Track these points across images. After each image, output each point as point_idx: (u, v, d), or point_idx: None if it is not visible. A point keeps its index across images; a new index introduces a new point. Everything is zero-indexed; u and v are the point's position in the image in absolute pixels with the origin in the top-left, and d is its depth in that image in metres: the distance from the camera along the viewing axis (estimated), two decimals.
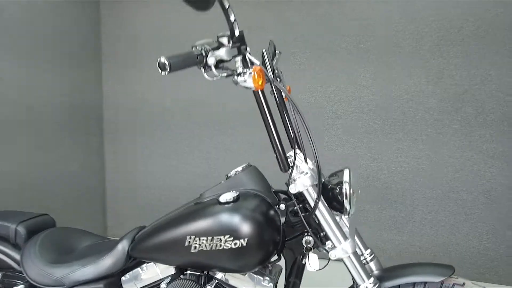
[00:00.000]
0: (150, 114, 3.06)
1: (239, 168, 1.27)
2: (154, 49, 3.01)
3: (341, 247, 1.12)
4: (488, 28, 2.19)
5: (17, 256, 1.49)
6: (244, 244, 1.13)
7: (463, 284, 1.16)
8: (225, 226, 1.15)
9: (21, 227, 1.53)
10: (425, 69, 2.34)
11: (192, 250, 1.17)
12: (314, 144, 1.11)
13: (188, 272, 1.27)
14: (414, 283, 1.18)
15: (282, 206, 1.22)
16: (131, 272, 1.34)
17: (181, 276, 1.27)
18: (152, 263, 1.31)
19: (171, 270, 1.29)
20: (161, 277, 1.30)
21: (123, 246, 1.34)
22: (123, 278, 1.35)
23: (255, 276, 1.22)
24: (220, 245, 1.14)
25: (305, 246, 1.18)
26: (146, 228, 1.34)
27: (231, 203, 1.17)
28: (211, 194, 1.25)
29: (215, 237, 1.15)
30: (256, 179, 1.25)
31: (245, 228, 1.13)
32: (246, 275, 1.22)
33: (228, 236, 1.13)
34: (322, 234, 1.18)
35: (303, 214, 1.16)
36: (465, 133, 2.28)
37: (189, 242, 1.17)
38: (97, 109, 3.11)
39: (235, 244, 1.13)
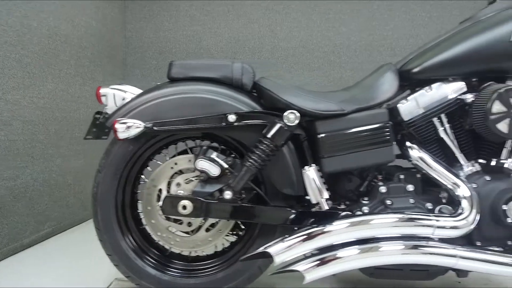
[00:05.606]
0: None
1: None
2: None
3: None
4: None
5: (247, 99, 1.32)
6: None
7: None
8: None
9: (247, 65, 1.32)
10: None
11: None
12: None
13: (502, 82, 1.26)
14: None
15: None
16: (411, 96, 1.30)
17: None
18: (438, 82, 1.29)
19: (463, 87, 1.28)
20: (450, 97, 1.28)
21: (391, 73, 1.33)
22: (399, 105, 1.31)
23: None
24: None
25: None
26: (428, 48, 1.33)
27: None
28: (491, 11, 1.29)
29: None
30: None
31: None
32: None
33: None
34: None
35: None
36: None
37: None
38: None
39: None
